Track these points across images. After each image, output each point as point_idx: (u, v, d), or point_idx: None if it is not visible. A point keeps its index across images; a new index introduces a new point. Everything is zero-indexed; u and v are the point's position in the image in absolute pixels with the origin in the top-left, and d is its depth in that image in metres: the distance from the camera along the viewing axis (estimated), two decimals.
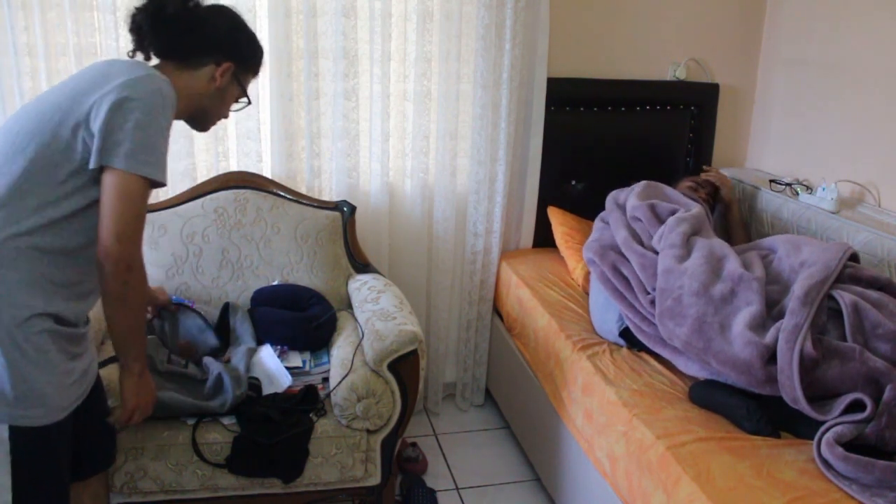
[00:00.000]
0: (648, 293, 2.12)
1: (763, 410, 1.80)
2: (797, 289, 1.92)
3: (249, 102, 1.67)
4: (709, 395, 1.90)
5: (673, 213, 2.35)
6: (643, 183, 2.54)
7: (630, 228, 2.35)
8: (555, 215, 2.89)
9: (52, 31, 2.30)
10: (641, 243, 2.28)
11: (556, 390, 2.26)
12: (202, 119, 1.63)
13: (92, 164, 1.36)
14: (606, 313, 2.26)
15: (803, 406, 1.74)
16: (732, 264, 2.07)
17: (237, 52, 1.59)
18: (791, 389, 1.75)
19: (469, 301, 2.88)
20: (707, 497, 1.54)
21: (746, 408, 1.81)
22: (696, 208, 2.36)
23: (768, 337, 1.84)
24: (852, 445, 1.64)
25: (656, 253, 2.20)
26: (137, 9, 1.52)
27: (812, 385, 1.77)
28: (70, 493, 1.51)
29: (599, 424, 1.99)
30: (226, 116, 1.65)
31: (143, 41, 1.54)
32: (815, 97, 2.80)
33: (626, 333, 2.19)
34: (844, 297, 1.89)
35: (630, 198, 2.45)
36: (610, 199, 2.55)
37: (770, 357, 1.82)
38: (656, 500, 1.69)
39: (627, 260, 2.23)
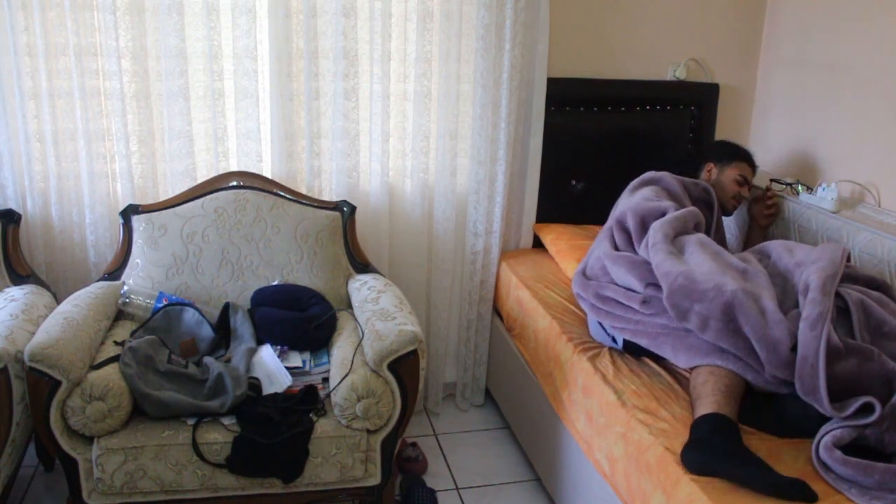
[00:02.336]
0: (639, 293, 2.07)
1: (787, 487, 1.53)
2: (813, 280, 1.89)
3: None
4: (711, 463, 1.61)
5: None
6: (644, 179, 2.47)
7: (613, 238, 2.27)
8: (540, 229, 2.90)
9: (52, 31, 2.31)
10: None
11: (556, 391, 2.26)
12: None
13: None
14: (598, 325, 2.26)
15: (821, 397, 1.70)
16: (731, 258, 2.05)
17: None
18: (812, 378, 1.71)
19: (469, 301, 2.88)
20: (707, 497, 1.54)
21: (761, 470, 1.57)
22: (687, 209, 2.26)
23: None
24: (851, 446, 1.63)
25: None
26: None
27: (828, 380, 1.72)
28: None
29: (599, 425, 1.99)
30: None
31: None
32: (815, 97, 2.80)
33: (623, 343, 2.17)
34: (851, 295, 1.89)
35: (623, 198, 2.38)
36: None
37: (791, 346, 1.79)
38: (656, 500, 1.69)
39: (607, 282, 2.19)
